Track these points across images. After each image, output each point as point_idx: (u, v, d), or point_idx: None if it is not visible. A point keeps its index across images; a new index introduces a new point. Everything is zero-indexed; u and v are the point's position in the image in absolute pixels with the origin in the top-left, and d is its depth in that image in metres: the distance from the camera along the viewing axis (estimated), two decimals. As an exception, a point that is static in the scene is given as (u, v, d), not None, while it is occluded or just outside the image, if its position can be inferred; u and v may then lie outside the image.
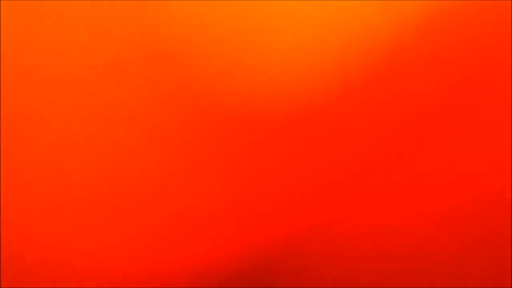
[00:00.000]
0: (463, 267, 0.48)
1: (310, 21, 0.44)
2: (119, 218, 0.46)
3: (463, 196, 0.47)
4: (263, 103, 0.45)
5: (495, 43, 0.46)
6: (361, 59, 0.45)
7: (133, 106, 0.44)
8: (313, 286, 0.48)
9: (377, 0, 0.44)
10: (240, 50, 0.44)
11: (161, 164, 0.45)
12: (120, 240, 0.46)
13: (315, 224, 0.47)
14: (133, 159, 0.45)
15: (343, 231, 0.47)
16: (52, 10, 0.43)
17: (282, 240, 0.47)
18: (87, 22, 0.43)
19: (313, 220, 0.47)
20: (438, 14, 0.45)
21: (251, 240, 0.47)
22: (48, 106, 0.44)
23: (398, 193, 0.47)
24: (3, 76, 0.43)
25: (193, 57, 0.44)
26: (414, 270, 0.48)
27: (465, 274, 0.48)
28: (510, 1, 0.45)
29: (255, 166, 0.46)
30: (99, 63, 0.44)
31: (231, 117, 0.45)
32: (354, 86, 0.45)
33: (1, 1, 0.43)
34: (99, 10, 0.43)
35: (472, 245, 0.48)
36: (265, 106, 0.45)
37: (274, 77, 0.45)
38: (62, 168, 0.45)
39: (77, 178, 0.45)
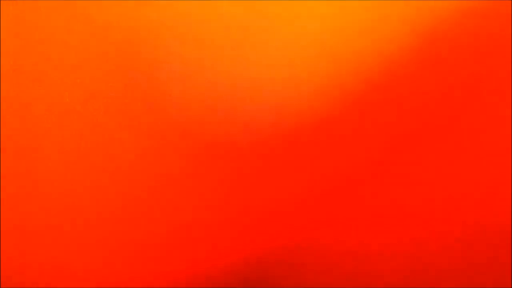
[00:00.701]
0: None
1: (310, 23, 0.44)
2: (116, 220, 0.46)
3: (460, 221, 0.47)
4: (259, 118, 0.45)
5: (495, 44, 0.46)
6: (361, 65, 0.45)
7: (132, 108, 0.45)
8: None
9: (379, 1, 0.44)
10: (240, 52, 0.44)
11: (160, 172, 0.45)
12: (118, 242, 0.46)
13: (311, 235, 0.47)
14: (132, 162, 0.45)
15: (339, 245, 0.47)
16: (52, 10, 0.43)
17: (279, 250, 0.47)
18: (85, 22, 0.43)
19: (310, 231, 0.47)
20: (439, 15, 0.45)
21: (247, 249, 0.47)
22: (47, 106, 0.44)
23: (395, 211, 0.47)
24: (3, 76, 0.43)
25: (193, 60, 0.44)
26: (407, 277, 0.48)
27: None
28: (510, 1, 0.45)
29: (254, 175, 0.46)
30: (98, 64, 0.44)
31: (230, 127, 0.45)
32: (350, 103, 0.45)
33: (1, 1, 0.43)
34: (96, 11, 0.43)
35: (471, 268, 0.48)
36: (265, 119, 0.45)
37: (268, 85, 0.45)
38: (62, 168, 0.45)
39: (78, 179, 0.45)
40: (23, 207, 0.45)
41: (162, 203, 0.45)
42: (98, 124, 0.44)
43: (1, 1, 0.43)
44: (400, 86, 0.45)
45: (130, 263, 0.46)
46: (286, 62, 0.45)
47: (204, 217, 0.46)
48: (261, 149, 0.45)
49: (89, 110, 0.44)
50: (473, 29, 0.45)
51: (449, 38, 0.45)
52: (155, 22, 0.44)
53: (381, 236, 0.47)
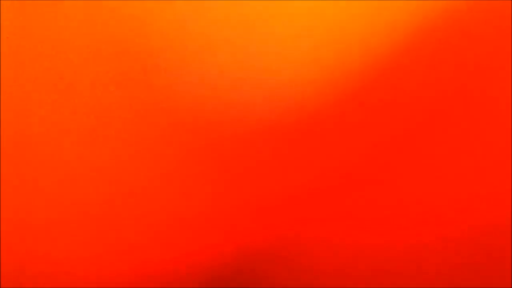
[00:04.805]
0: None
1: (309, 23, 0.44)
2: (114, 219, 0.46)
3: (459, 221, 0.47)
4: (258, 111, 0.45)
5: (495, 43, 0.46)
6: (361, 62, 0.45)
7: (131, 107, 0.45)
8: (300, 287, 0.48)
9: (377, 1, 0.44)
10: (240, 51, 0.44)
11: (155, 165, 0.45)
12: (114, 240, 0.46)
13: (305, 228, 0.47)
14: (129, 159, 0.45)
15: (332, 239, 0.47)
16: (52, 10, 0.43)
17: (273, 242, 0.47)
18: (84, 22, 0.43)
19: (303, 224, 0.47)
20: (438, 14, 0.45)
21: (241, 241, 0.47)
22: (47, 105, 0.44)
23: (391, 208, 0.47)
24: (3, 76, 0.43)
25: (193, 59, 0.44)
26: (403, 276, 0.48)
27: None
28: (510, 1, 0.45)
29: (248, 169, 0.46)
30: (97, 64, 0.44)
31: (224, 122, 0.45)
32: (350, 95, 0.45)
33: (1, 1, 0.43)
34: (95, 11, 0.44)
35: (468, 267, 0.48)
36: (261, 112, 0.45)
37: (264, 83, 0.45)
38: (60, 168, 0.45)
39: (75, 178, 0.45)
40: (23, 207, 0.45)
41: (157, 195, 0.46)
42: (97, 121, 0.45)
43: (1, 1, 0.43)
44: (399, 84, 0.46)
45: (125, 256, 0.46)
46: (285, 61, 0.45)
47: (199, 209, 0.46)
48: (256, 144, 0.45)
49: (89, 108, 0.44)
50: (473, 30, 0.45)
51: (449, 37, 0.45)
52: (156, 21, 0.44)
53: (377, 233, 0.47)
